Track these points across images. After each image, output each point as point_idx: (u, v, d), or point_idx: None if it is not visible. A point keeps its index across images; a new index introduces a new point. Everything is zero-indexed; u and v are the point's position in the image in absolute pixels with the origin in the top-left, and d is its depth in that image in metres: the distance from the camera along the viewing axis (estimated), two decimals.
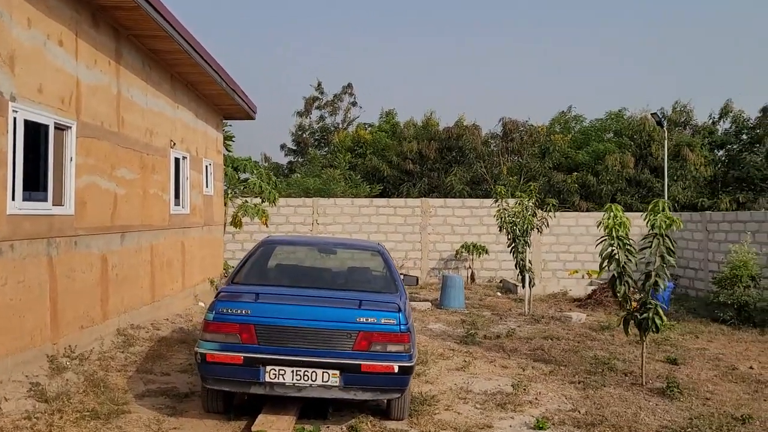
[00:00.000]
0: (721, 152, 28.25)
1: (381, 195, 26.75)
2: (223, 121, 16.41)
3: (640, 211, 23.03)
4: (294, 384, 5.34)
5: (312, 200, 20.00)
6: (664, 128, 22.63)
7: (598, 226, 8.44)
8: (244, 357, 5.32)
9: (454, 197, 24.27)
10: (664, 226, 7.64)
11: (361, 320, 5.38)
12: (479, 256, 19.07)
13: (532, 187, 14.02)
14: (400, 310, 5.51)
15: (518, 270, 13.53)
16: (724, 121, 28.88)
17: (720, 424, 6.14)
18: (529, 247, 13.54)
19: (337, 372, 5.35)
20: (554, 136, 27.79)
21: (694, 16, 62.92)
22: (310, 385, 5.35)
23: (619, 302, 7.97)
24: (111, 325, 8.51)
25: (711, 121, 29.11)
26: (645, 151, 26.16)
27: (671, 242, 7.70)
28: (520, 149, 27.92)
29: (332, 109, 37.39)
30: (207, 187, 13.92)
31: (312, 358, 5.35)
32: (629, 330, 8.05)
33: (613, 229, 7.82)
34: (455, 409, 6.52)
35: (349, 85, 37.50)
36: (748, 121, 27.55)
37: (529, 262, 13.55)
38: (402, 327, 5.45)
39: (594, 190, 25.52)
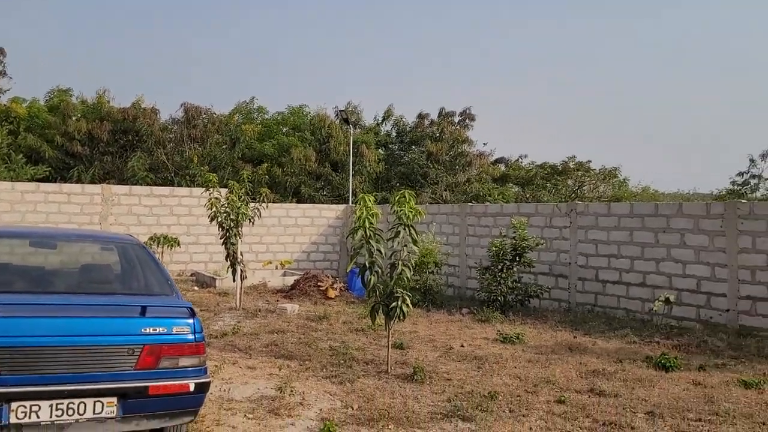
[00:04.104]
0: (383, 151, 31.28)
1: (45, 180, 23.01)
2: None
3: (323, 203, 24.32)
4: (53, 422, 4.00)
5: None
6: (350, 126, 24.09)
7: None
8: None
9: (137, 185, 22.14)
10: (410, 217, 7.92)
11: (148, 331, 4.28)
12: (171, 249, 17.71)
13: (244, 176, 13.47)
14: (192, 315, 4.56)
15: (230, 262, 12.84)
16: (386, 124, 32.09)
17: (477, 403, 6.56)
18: (241, 238, 12.97)
19: (114, 399, 4.17)
20: (244, 126, 27.40)
21: (358, 15, 68.69)
22: (77, 420, 4.07)
23: (367, 292, 7.99)
24: None
25: (376, 122, 32.04)
26: (325, 146, 27.52)
27: (416, 232, 8.03)
28: (204, 137, 26.83)
29: None
30: None
31: (79, 386, 4.08)
32: (375, 319, 8.15)
33: (366, 219, 7.83)
34: (227, 422, 5.75)
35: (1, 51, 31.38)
36: (406, 125, 31.07)
37: (241, 254, 12.98)
38: (197, 336, 4.52)
39: (280, 182, 25.90)
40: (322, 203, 24.38)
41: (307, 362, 8.25)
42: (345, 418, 6.02)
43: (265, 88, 63.16)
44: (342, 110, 25.54)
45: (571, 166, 29.62)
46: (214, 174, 13.56)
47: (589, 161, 29.75)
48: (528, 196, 29.57)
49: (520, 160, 32.38)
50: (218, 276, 16.29)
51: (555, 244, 13.77)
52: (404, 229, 7.93)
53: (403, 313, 7.86)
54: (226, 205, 12.66)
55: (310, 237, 20.00)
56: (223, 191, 13.25)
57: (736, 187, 25.78)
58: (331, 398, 6.69)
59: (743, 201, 11.88)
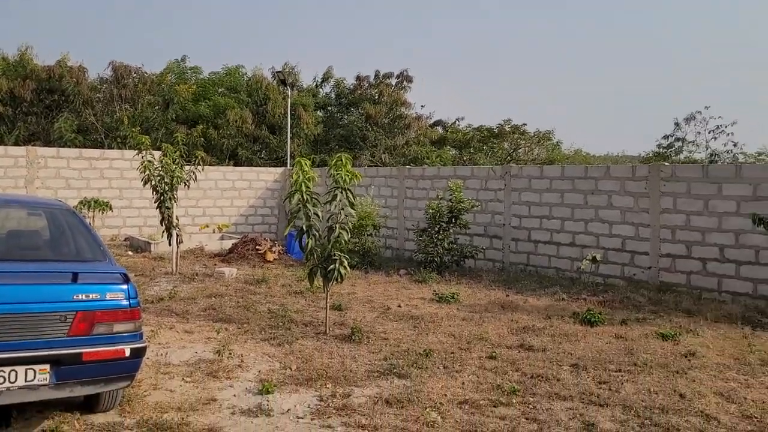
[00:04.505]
0: (321, 113, 30.99)
1: None
2: None
3: (260, 166, 24.03)
4: None
5: None
6: (288, 87, 23.71)
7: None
8: None
9: (65, 146, 21.25)
10: (348, 180, 7.97)
11: (80, 297, 4.23)
12: (102, 213, 17.21)
13: (178, 138, 13.16)
14: (126, 281, 4.52)
15: (165, 227, 12.62)
16: (325, 86, 31.74)
17: (413, 360, 6.78)
18: (176, 202, 12.74)
19: (47, 366, 4.12)
20: (177, 87, 26.54)
21: None
22: (8, 388, 4.01)
23: (305, 255, 8.04)
24: None
25: (315, 84, 31.64)
26: (262, 108, 27.04)
27: (353, 195, 8.10)
28: (135, 97, 25.89)
29: None
30: None
31: (9, 354, 4.01)
32: (314, 281, 8.22)
33: (303, 183, 7.83)
34: (165, 386, 5.76)
35: None
36: (346, 87, 30.81)
37: (177, 218, 12.76)
38: (132, 301, 4.48)
39: (215, 144, 25.37)
40: (260, 166, 24.08)
41: (245, 325, 8.29)
42: (283, 378, 6.12)
43: (199, 47, 61.18)
44: (279, 71, 25.05)
45: (507, 129, 30.13)
46: (147, 136, 13.18)
47: (525, 124, 30.33)
48: (465, 158, 29.99)
49: (457, 123, 32.71)
50: (153, 240, 15.99)
51: (490, 206, 14.10)
52: (341, 192, 7.98)
53: (341, 276, 7.97)
54: (160, 168, 12.39)
55: (248, 200, 19.79)
56: (157, 154, 12.93)
57: (662, 150, 26.84)
58: (270, 360, 6.78)
59: (666, 164, 12.43)
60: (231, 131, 25.65)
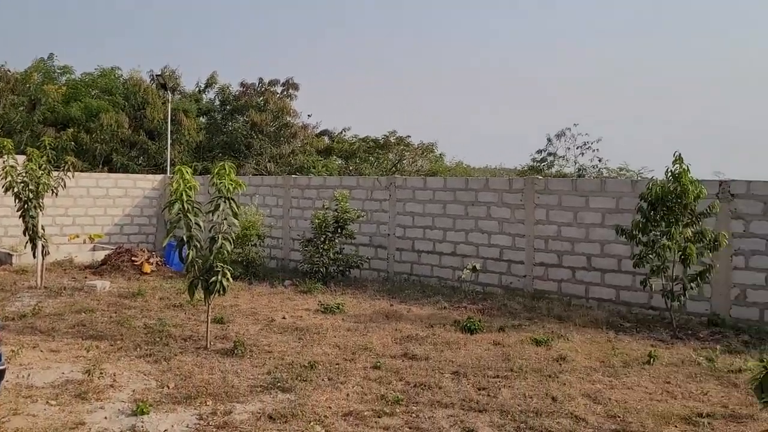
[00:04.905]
0: (204, 119, 30.05)
1: None
2: None
3: (138, 173, 22.88)
4: None
5: None
6: (168, 92, 22.77)
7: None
8: None
9: None
10: (231, 189, 7.78)
11: None
12: None
13: (45, 141, 12.28)
14: None
15: (29, 237, 11.70)
16: (209, 91, 30.83)
17: (297, 373, 6.69)
18: (42, 210, 11.86)
19: None
20: (45, 87, 24.71)
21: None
22: None
23: (186, 267, 7.74)
24: None
25: (198, 89, 30.66)
26: (140, 112, 25.82)
27: (237, 205, 7.90)
28: None
29: None
30: None
31: None
32: (194, 294, 7.92)
33: (183, 192, 7.55)
34: (27, 411, 5.33)
35: None
36: (231, 94, 30.08)
37: (42, 227, 11.88)
38: None
39: (88, 149, 23.88)
40: (138, 173, 22.93)
41: (119, 342, 7.86)
42: (160, 397, 5.85)
43: (69, 46, 57.50)
44: (159, 75, 24.02)
45: (392, 141, 30.66)
46: (9, 139, 12.21)
47: (409, 136, 30.99)
48: (351, 168, 30.17)
49: (344, 133, 32.86)
50: (15, 252, 14.80)
51: (375, 216, 14.26)
52: (224, 201, 7.78)
53: (224, 288, 7.75)
54: (23, 174, 11.50)
55: (124, 209, 18.77)
56: (21, 158, 12.00)
57: (535, 163, 28.37)
58: (146, 378, 6.45)
59: (540, 177, 13.16)
60: (105, 136, 24.26)
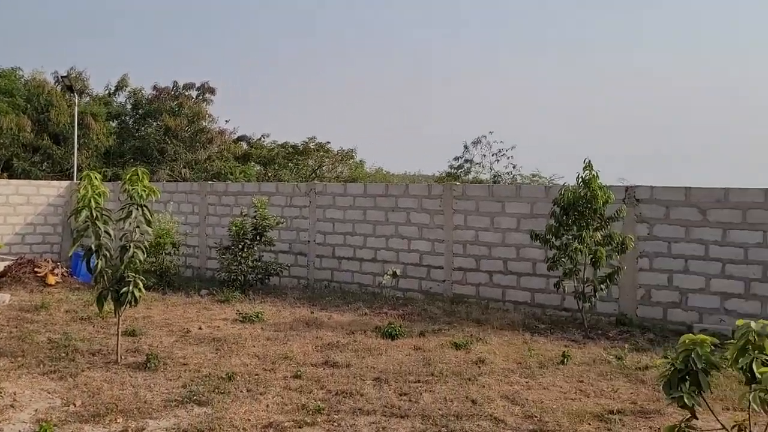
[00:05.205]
0: (115, 123, 28.88)
1: None
2: None
3: (41, 179, 21.68)
4: None
5: None
6: (75, 94, 21.67)
7: None
8: None
9: None
10: (144, 196, 7.47)
11: None
12: None
13: None
14: None
15: None
16: (120, 94, 29.66)
17: (214, 386, 6.48)
18: None
19: None
20: None
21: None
22: None
23: (94, 277, 7.36)
24: None
25: (108, 92, 29.43)
26: (44, 116, 24.49)
27: (150, 212, 7.60)
28: None
29: None
30: None
31: None
32: (103, 306, 7.52)
33: (92, 199, 7.18)
34: None
35: None
36: (144, 97, 29.04)
37: None
38: None
39: None
40: (41, 179, 21.72)
41: (19, 359, 7.38)
42: (66, 416, 5.51)
43: None
44: (65, 76, 22.83)
45: (312, 147, 30.48)
46: None
47: (329, 142, 30.91)
48: (270, 175, 29.74)
49: (262, 138, 32.37)
50: None
51: (295, 222, 14.09)
52: (137, 208, 7.47)
53: (135, 298, 7.41)
54: None
55: (26, 217, 17.68)
56: None
57: (453, 170, 28.91)
58: (50, 396, 6.08)
59: (458, 183, 13.37)
60: (5, 140, 22.87)
